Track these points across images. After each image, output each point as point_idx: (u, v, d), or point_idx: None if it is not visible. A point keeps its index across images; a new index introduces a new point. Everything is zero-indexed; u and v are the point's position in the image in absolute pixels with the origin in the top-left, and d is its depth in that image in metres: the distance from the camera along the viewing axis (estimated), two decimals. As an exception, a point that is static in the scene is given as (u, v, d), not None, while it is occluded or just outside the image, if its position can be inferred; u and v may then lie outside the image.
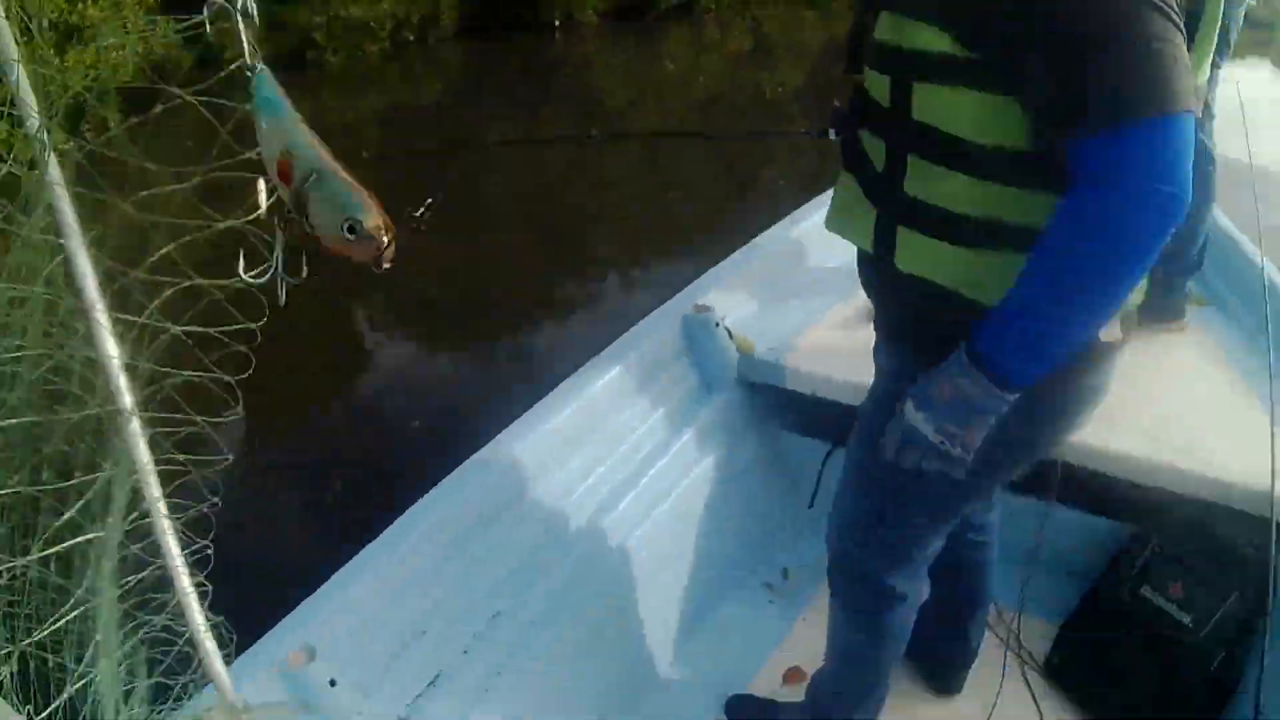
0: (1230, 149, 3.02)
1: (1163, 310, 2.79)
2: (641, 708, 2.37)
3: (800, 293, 3.05)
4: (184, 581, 1.19)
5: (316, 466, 4.71)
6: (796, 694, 2.28)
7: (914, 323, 1.58)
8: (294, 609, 1.91)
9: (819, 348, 2.72)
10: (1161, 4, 1.15)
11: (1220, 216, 3.13)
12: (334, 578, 1.97)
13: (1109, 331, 1.39)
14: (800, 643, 2.51)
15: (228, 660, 1.43)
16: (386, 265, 1.00)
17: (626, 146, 8.81)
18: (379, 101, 13.37)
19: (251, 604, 1.61)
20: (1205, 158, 2.69)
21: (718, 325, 2.71)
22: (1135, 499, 2.33)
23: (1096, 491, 2.37)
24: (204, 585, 1.28)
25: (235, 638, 1.40)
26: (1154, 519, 2.37)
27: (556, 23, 16.93)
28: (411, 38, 15.58)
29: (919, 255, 1.44)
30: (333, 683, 1.79)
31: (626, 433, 2.52)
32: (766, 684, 2.42)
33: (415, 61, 15.07)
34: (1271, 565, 2.00)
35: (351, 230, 0.98)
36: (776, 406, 2.80)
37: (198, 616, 1.23)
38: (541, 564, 2.20)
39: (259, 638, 1.85)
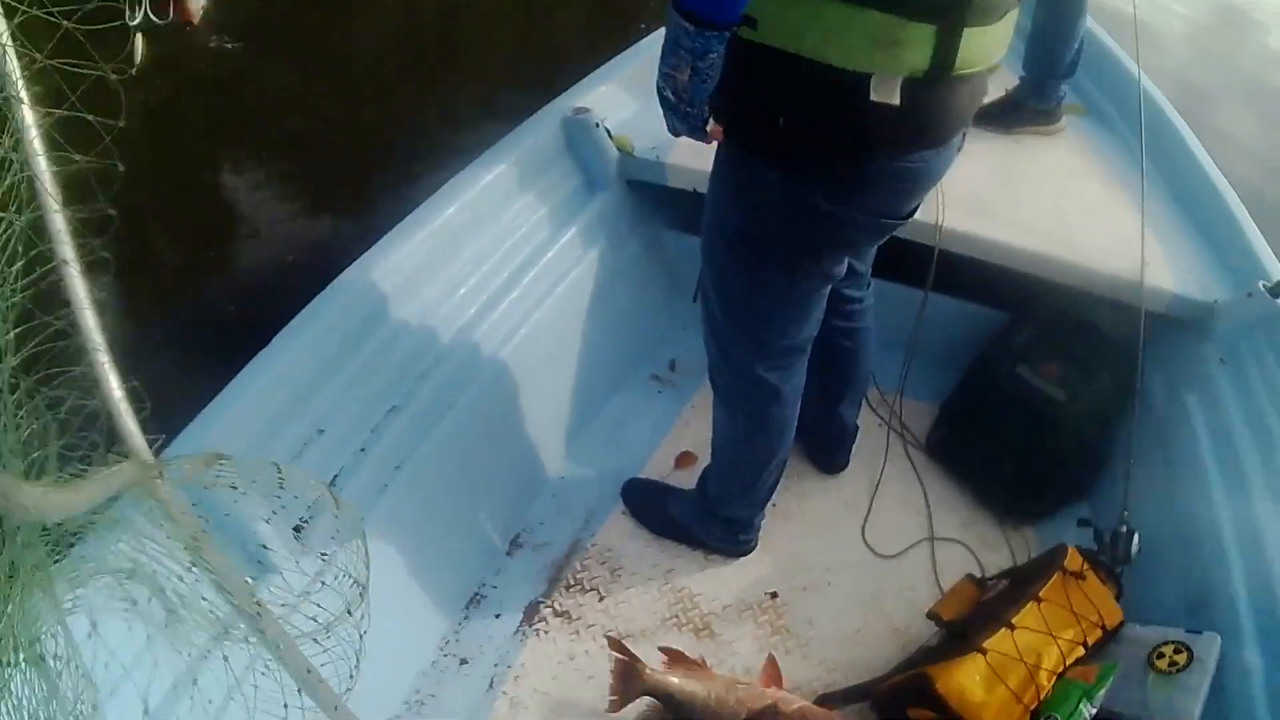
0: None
1: (1038, 114, 2.85)
2: (538, 498, 2.40)
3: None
4: (96, 336, 1.12)
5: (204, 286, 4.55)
6: (688, 477, 2.34)
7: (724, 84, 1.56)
8: (192, 420, 1.84)
9: (697, 145, 2.69)
10: None
11: (1100, 31, 3.17)
12: (229, 386, 1.89)
13: (881, 91, 1.36)
14: (690, 429, 2.57)
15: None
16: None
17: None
18: None
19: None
20: None
21: (597, 126, 2.65)
22: (1012, 286, 2.42)
23: (974, 279, 2.44)
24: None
25: (149, 404, 1.32)
26: (1030, 305, 2.46)
27: None
28: None
29: None
30: (233, 486, 1.74)
31: (510, 232, 2.47)
32: (659, 469, 2.48)
33: None
34: (1139, 347, 2.11)
35: None
36: (658, 204, 2.78)
37: (112, 378, 1.16)
38: (432, 361, 2.17)
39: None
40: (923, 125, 1.44)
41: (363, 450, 1.99)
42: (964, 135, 1.58)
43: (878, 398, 2.58)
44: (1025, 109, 2.84)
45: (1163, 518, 2.09)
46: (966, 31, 1.32)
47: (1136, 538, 1.99)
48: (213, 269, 4.68)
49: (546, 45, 6.96)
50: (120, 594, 1.21)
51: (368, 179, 5.42)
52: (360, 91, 6.47)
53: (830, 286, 1.79)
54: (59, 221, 1.01)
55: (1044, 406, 2.31)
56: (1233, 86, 6.74)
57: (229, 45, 6.94)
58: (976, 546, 2.30)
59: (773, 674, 1.92)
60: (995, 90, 2.83)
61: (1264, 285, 2.12)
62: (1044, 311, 2.43)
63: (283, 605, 1.33)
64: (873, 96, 1.35)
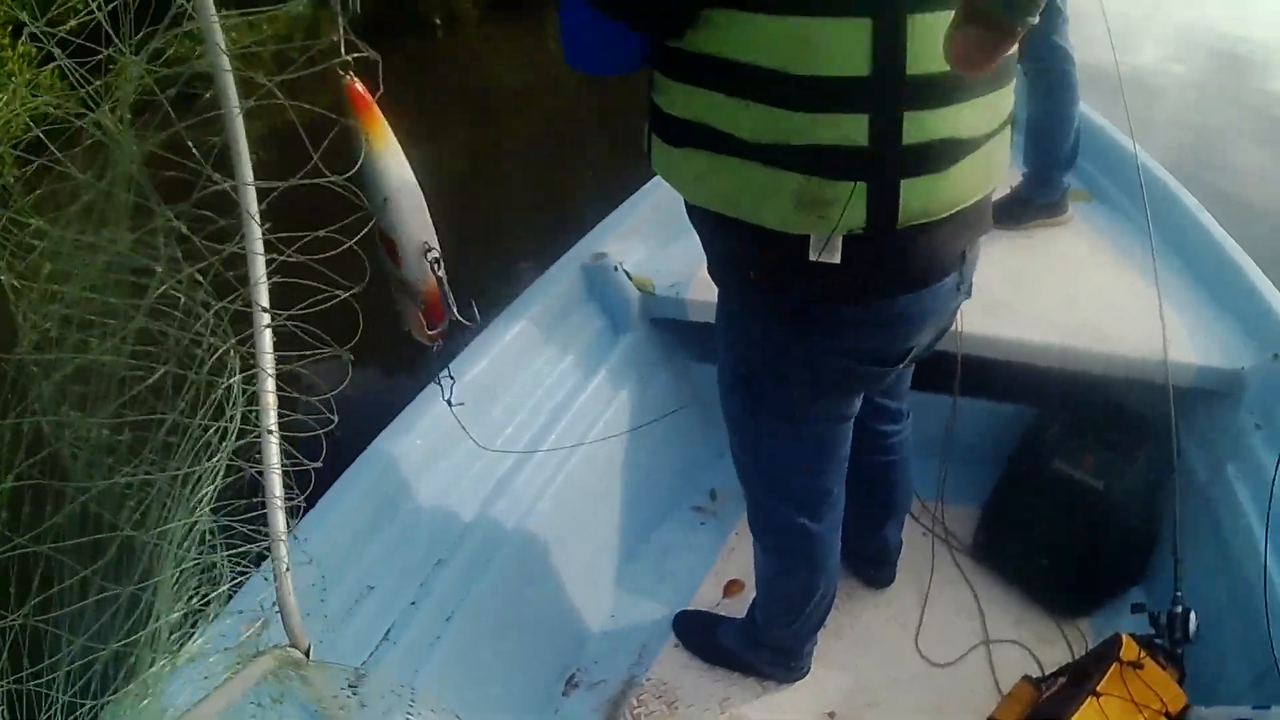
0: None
1: (1045, 207, 2.91)
2: (590, 637, 2.40)
3: (693, 232, 3.09)
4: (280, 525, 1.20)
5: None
6: (738, 604, 2.34)
7: (701, 240, 1.64)
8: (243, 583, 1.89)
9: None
10: None
11: (1093, 114, 3.25)
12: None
13: (820, 251, 1.35)
14: (735, 556, 2.57)
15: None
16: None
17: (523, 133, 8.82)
18: (264, 128, 13.21)
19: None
20: (1064, 57, 2.80)
21: (616, 269, 2.74)
22: (1039, 381, 2.43)
23: (1000, 379, 2.46)
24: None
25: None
26: (1057, 398, 2.47)
27: (438, 21, 16.80)
28: (295, 56, 15.40)
29: (657, 158, 1.49)
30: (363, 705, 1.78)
31: (540, 381, 2.54)
32: (708, 599, 2.48)
33: (302, 81, 14.92)
34: (1173, 424, 2.11)
35: None
36: (682, 339, 2.84)
37: (284, 556, 1.23)
38: (475, 513, 2.21)
39: None
40: (884, 275, 1.42)
41: (413, 604, 2.03)
42: (962, 273, 1.53)
43: (919, 506, 2.57)
44: (1031, 204, 2.89)
45: (1218, 592, 2.06)
46: (906, 184, 1.30)
47: (1193, 616, 1.95)
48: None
49: (561, 195, 7.21)
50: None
51: (392, 341, 5.57)
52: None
53: (848, 427, 1.80)
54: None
55: (1084, 497, 2.30)
56: (1243, 129, 6.75)
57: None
58: (1033, 644, 2.27)
59: None
60: (1001, 189, 2.88)
61: None
62: (1074, 402, 2.44)
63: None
64: (811, 256, 1.35)
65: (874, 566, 2.43)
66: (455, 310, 1.25)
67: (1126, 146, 3.01)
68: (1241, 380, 2.22)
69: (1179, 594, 1.98)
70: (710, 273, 1.67)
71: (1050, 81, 2.82)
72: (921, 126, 1.27)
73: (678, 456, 2.81)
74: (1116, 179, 3.07)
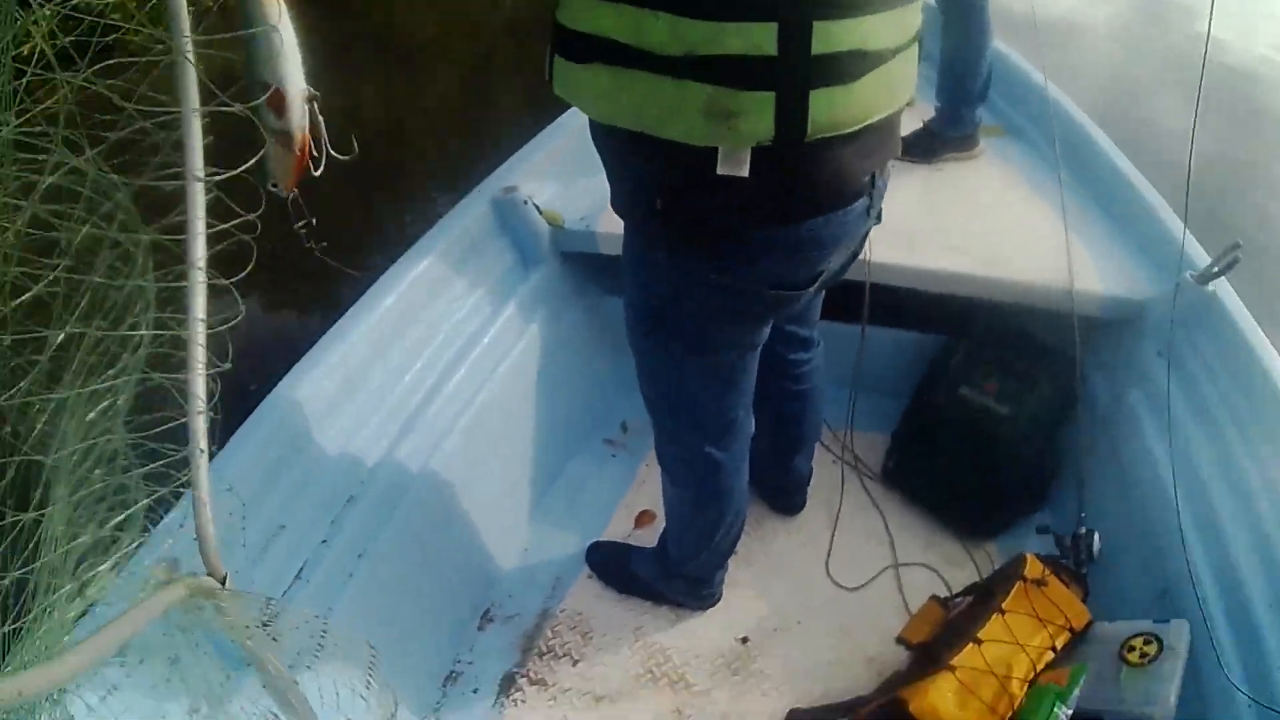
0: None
1: (956, 140, 2.92)
2: (504, 571, 2.39)
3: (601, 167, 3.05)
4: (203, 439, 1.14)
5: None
6: (650, 534, 2.35)
7: (605, 168, 1.61)
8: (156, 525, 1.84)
9: None
10: None
11: (1008, 51, 3.26)
12: (187, 493, 1.89)
13: (728, 164, 1.33)
14: (646, 488, 2.57)
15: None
16: None
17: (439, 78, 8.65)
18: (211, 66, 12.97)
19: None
20: None
21: (526, 203, 2.69)
22: (946, 310, 2.46)
23: (909, 308, 2.49)
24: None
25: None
26: (966, 326, 2.50)
27: None
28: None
29: (560, 78, 1.44)
30: (275, 640, 1.74)
31: (450, 314, 2.49)
32: (620, 530, 2.48)
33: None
34: (1077, 352, 2.15)
35: None
36: (593, 272, 2.81)
37: (205, 483, 1.17)
38: (385, 449, 2.17)
39: None
40: (794, 194, 1.41)
41: (324, 542, 1.98)
42: (872, 196, 1.51)
43: (829, 435, 2.59)
44: (943, 138, 2.90)
45: (1121, 514, 2.12)
46: (814, 94, 1.27)
47: (1096, 537, 2.01)
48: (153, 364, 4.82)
49: (477, 136, 7.13)
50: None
51: (306, 276, 5.51)
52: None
53: (754, 356, 1.78)
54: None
55: (989, 423, 2.34)
56: (1164, 76, 6.87)
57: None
58: (941, 567, 2.31)
59: None
60: (913, 122, 2.91)
61: (1191, 275, 2.17)
62: (980, 330, 2.47)
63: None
64: (719, 170, 1.32)
65: (784, 495, 2.45)
66: (330, 149, 1.24)
67: (1039, 83, 3.04)
68: (1144, 310, 2.27)
69: (1083, 515, 2.03)
70: (614, 204, 1.62)
71: (963, 15, 2.81)
72: (830, 36, 1.23)
73: (588, 390, 2.79)
74: (1029, 115, 3.10)
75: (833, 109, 1.28)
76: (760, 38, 1.21)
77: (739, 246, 1.46)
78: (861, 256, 2.32)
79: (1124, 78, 6.84)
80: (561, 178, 2.89)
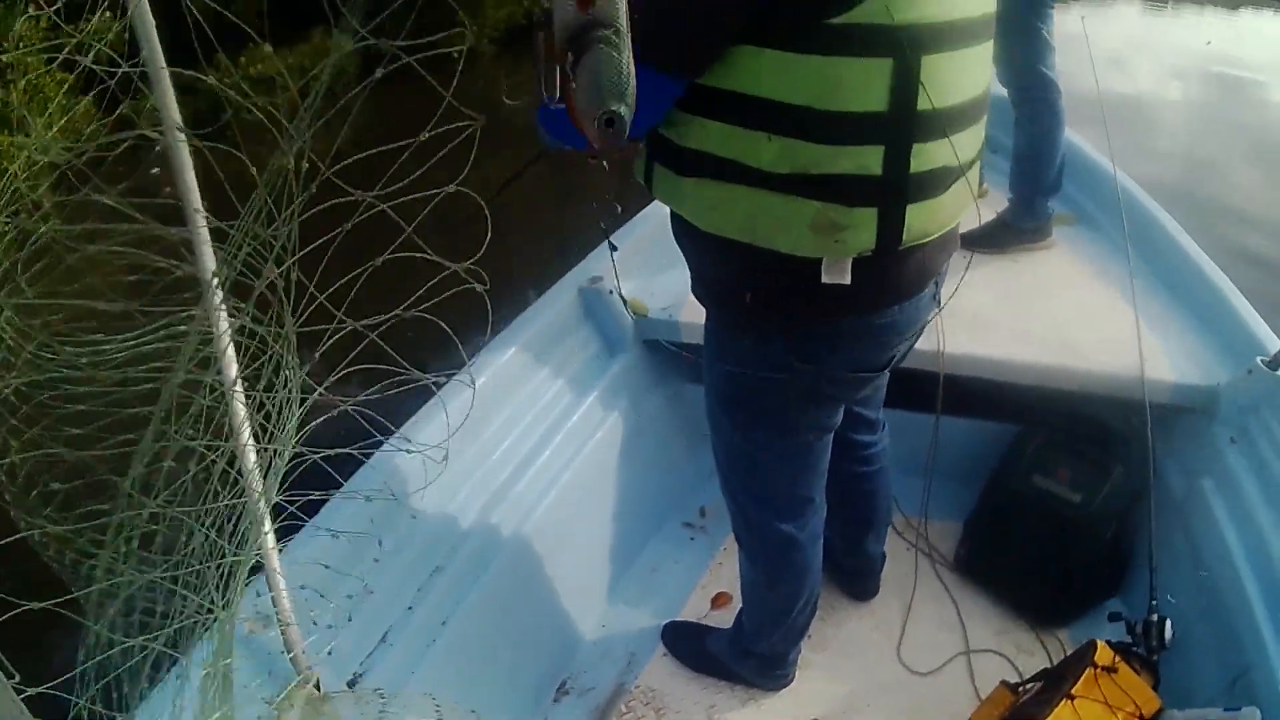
0: (1107, 81, 3.23)
1: (1029, 232, 2.98)
2: (580, 645, 2.45)
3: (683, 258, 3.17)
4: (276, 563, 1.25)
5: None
6: (725, 616, 2.39)
7: (693, 265, 1.74)
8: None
9: None
10: None
11: (1078, 140, 3.32)
12: (281, 553, 2.01)
13: (832, 273, 1.45)
14: (724, 570, 2.62)
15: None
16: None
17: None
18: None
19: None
20: (1049, 86, 2.88)
21: (611, 293, 2.81)
22: (1019, 399, 2.50)
23: (982, 397, 2.53)
24: None
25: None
26: (1039, 414, 2.53)
27: (456, 55, 17.12)
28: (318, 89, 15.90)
29: (663, 188, 1.57)
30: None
31: (538, 397, 2.60)
32: (696, 611, 2.52)
33: (324, 111, 15.37)
34: (1149, 439, 2.17)
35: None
36: (674, 360, 2.90)
37: (285, 599, 1.28)
38: (472, 523, 2.27)
39: None
40: (883, 291, 1.53)
41: (410, 609, 2.08)
42: (937, 284, 1.66)
43: (903, 522, 2.63)
44: (1016, 229, 2.96)
45: (1193, 601, 2.12)
46: (911, 208, 1.41)
47: (1169, 624, 2.00)
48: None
49: (563, 225, 7.38)
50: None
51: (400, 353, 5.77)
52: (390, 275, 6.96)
53: (829, 438, 1.88)
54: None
55: (1062, 510, 2.36)
56: (1234, 152, 6.80)
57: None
58: (1012, 654, 2.31)
59: None
60: (986, 213, 2.97)
61: (1262, 360, 2.19)
62: (1053, 418, 2.50)
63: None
64: (824, 279, 1.45)
65: (857, 578, 2.48)
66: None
67: (1109, 170, 3.08)
68: (1216, 396, 2.29)
69: (1155, 603, 2.03)
70: (697, 293, 1.75)
71: (1036, 110, 2.89)
72: (925, 156, 1.38)
73: (668, 474, 2.87)
74: (1100, 202, 3.14)
75: (925, 219, 1.45)
76: (868, 159, 1.35)
77: (825, 335, 1.58)
78: (935, 347, 2.40)
79: (1194, 157, 6.80)
80: (646, 268, 3.00)
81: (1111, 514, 2.34)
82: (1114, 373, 2.35)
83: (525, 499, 2.37)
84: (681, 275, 2.92)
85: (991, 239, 2.94)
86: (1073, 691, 1.89)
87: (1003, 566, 2.46)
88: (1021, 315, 2.60)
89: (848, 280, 1.45)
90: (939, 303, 1.71)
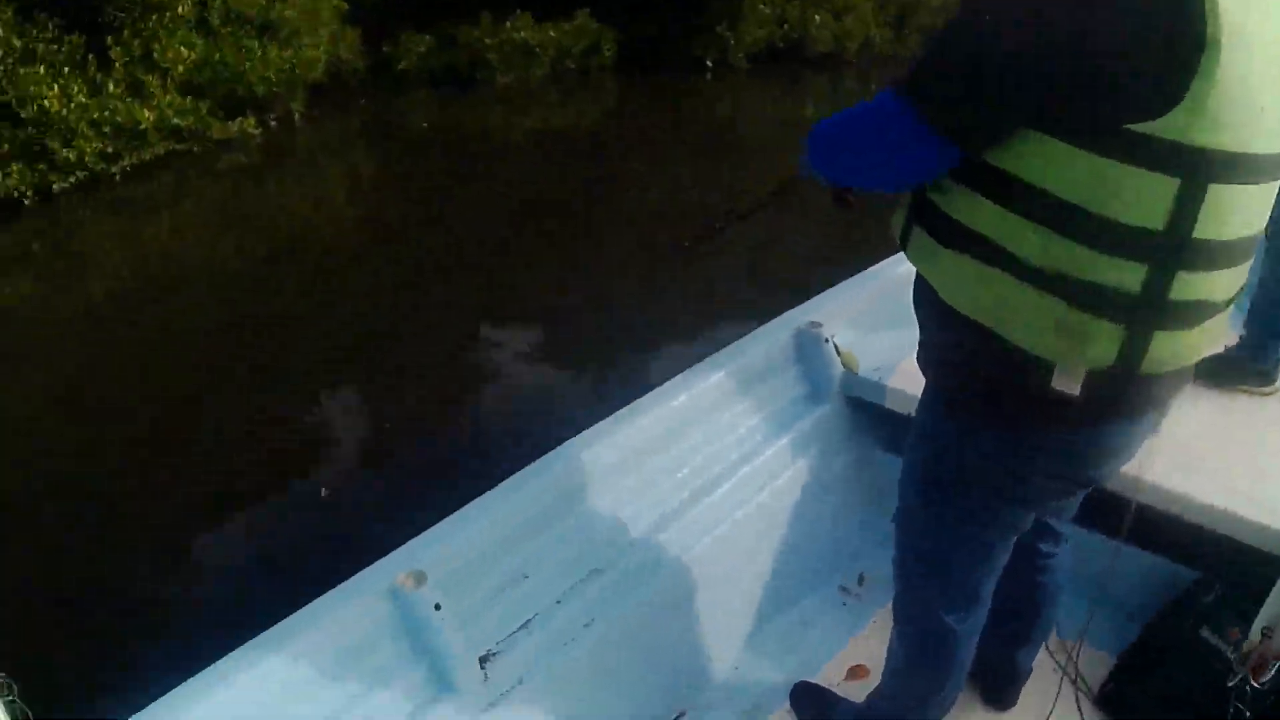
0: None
1: (1254, 374, 2.86)
2: (711, 683, 2.55)
3: (909, 323, 3.17)
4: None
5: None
6: (859, 690, 2.43)
7: (926, 333, 1.74)
8: (409, 539, 2.14)
9: (919, 375, 2.85)
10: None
11: None
12: (449, 517, 2.19)
13: (1063, 381, 1.43)
14: (868, 644, 2.65)
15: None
16: None
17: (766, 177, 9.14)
18: (538, 122, 14.36)
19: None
20: None
21: (827, 341, 2.87)
22: (1205, 545, 2.42)
23: (1168, 535, 2.46)
24: None
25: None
26: (1222, 566, 2.45)
27: (709, 63, 17.48)
28: (573, 66, 16.45)
29: (918, 250, 1.59)
30: (437, 607, 2.01)
31: (733, 427, 2.70)
32: (831, 678, 2.57)
33: (575, 88, 15.87)
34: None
35: None
36: (874, 424, 2.94)
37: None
38: (640, 533, 2.40)
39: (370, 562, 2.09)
40: (1108, 410, 1.51)
41: (559, 602, 2.23)
42: (1161, 414, 1.64)
43: (1056, 643, 2.59)
44: (1242, 368, 2.85)
45: None
46: (1159, 335, 1.38)
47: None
48: (446, 418, 5.68)
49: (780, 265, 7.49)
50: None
51: (608, 356, 6.05)
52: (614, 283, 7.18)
53: (1015, 539, 1.89)
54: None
55: (1223, 673, 2.28)
56: None
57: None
58: (1137, 803, 2.27)
59: None
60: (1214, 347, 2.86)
61: None
62: (1237, 576, 2.42)
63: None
64: (1054, 384, 1.43)
65: (999, 685, 2.47)
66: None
67: None
68: None
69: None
70: (921, 362, 1.77)
71: None
72: (1187, 286, 1.36)
73: (838, 533, 2.92)
74: None
75: (1170, 350, 1.41)
76: (1129, 275, 1.35)
77: (1037, 440, 1.59)
78: (1134, 472, 2.35)
79: None
80: (865, 324, 3.05)
81: (1272, 690, 2.26)
82: None
83: (696, 524, 2.47)
84: (901, 341, 2.98)
85: (1214, 373, 2.84)
86: None
87: (1147, 713, 2.40)
88: (1231, 459, 2.51)
89: (1076, 392, 1.43)
90: (1157, 431, 1.68)
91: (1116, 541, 2.38)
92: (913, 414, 2.62)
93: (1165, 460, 2.38)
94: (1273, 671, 2.07)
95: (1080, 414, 1.49)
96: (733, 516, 2.56)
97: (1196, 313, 1.40)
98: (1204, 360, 2.74)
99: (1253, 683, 2.04)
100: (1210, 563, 2.50)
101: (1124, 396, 1.49)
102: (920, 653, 2.09)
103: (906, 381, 2.76)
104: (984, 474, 1.69)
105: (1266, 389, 2.85)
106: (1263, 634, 1.98)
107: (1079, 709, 2.46)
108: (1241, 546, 2.35)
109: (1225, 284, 1.41)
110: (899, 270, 3.33)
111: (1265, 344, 2.83)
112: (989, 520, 1.80)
